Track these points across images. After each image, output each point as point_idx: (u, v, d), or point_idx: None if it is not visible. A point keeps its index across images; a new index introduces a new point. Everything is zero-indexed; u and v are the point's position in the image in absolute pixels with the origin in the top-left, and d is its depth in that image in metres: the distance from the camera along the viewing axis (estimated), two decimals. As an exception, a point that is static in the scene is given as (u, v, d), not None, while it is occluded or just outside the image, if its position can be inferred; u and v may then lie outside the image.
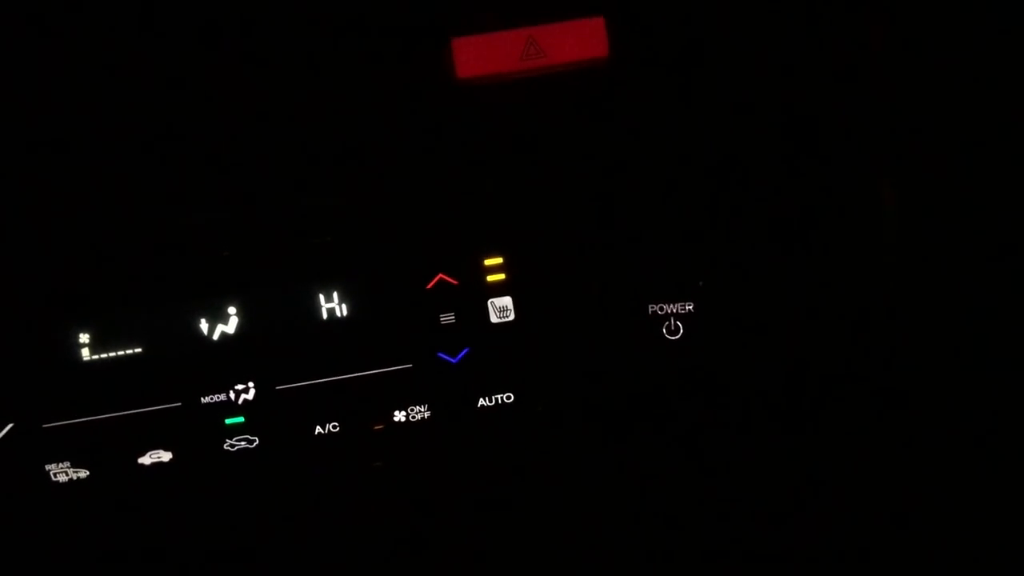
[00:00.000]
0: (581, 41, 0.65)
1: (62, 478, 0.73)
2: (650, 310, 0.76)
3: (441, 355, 0.75)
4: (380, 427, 0.75)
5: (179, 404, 0.73)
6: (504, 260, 0.74)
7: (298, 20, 0.65)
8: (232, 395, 0.73)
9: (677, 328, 0.76)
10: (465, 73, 0.65)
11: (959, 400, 0.70)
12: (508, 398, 0.76)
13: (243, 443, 0.74)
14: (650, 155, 0.70)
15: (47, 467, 0.73)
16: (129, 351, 0.73)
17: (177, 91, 0.66)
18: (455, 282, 0.74)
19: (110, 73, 0.66)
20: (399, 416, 0.75)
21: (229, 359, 0.73)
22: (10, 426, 0.72)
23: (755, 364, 0.75)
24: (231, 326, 0.73)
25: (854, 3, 0.63)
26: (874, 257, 0.70)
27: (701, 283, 0.74)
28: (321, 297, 0.74)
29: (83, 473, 0.73)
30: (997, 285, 0.67)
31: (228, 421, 0.73)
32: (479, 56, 0.65)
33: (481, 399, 0.75)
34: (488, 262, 0.74)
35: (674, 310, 0.76)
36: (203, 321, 0.73)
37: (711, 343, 0.75)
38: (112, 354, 0.73)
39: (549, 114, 0.68)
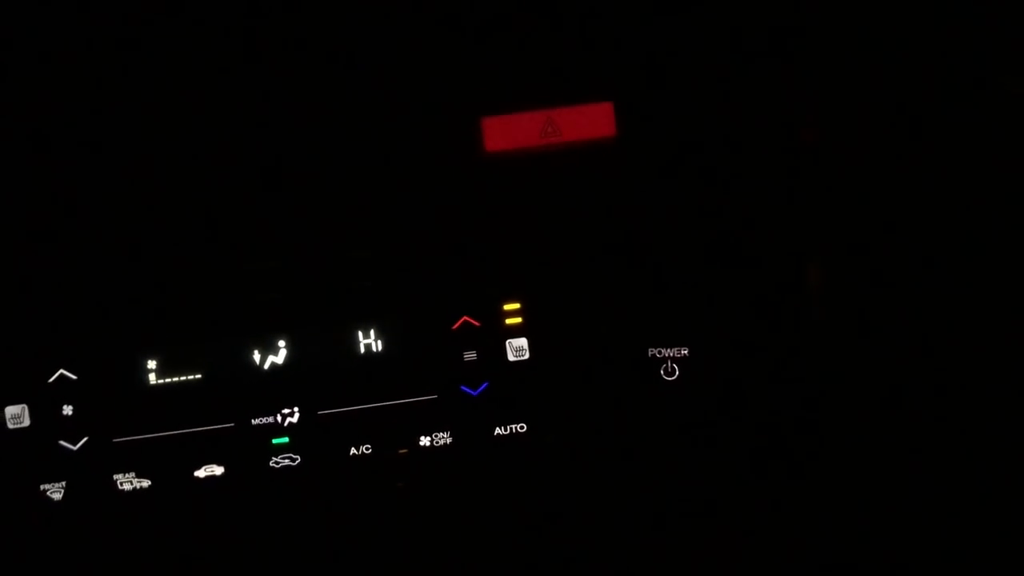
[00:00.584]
0: (593, 122, 0.75)
1: (127, 487, 0.83)
2: (649, 353, 0.86)
3: (463, 388, 0.85)
4: (405, 451, 0.85)
5: (232, 424, 0.83)
6: (521, 305, 0.84)
7: (348, 95, 0.76)
8: (279, 418, 0.83)
9: (673, 370, 0.86)
10: (492, 147, 0.76)
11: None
12: (522, 428, 0.85)
13: (287, 461, 0.84)
14: (650, 220, 0.80)
15: (115, 476, 0.83)
16: (190, 377, 0.83)
17: (241, 158, 0.77)
18: (478, 324, 0.84)
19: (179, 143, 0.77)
20: (424, 441, 0.85)
21: (277, 386, 0.83)
22: (85, 439, 0.83)
23: (741, 404, 0.85)
24: (280, 357, 0.84)
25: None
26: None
27: (694, 330, 0.84)
28: (359, 334, 0.84)
29: (145, 483, 0.83)
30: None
31: (275, 441, 0.83)
32: (504, 133, 0.76)
33: (498, 428, 0.85)
34: (507, 307, 0.84)
35: (671, 354, 0.86)
36: (256, 353, 0.83)
37: (702, 384, 0.85)
38: (175, 379, 0.83)
39: (564, 182, 0.79)
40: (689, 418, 0.86)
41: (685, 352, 0.84)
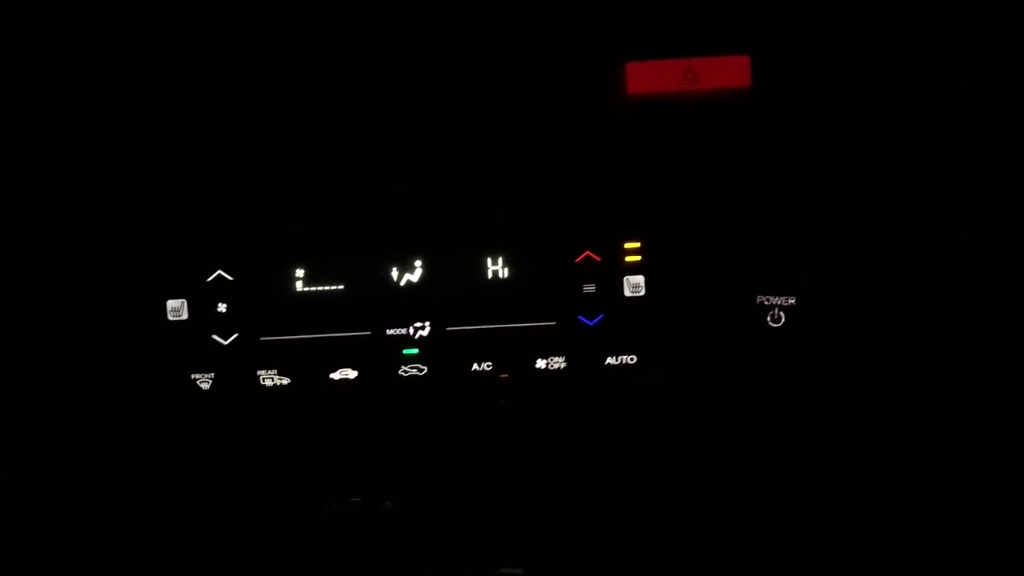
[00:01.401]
0: (730, 73, 0.80)
1: (268, 383, 0.92)
2: (758, 300, 0.91)
3: (580, 318, 0.91)
4: (507, 376, 0.92)
5: (368, 333, 0.91)
6: (641, 245, 0.90)
7: (501, 32, 0.82)
8: (411, 331, 0.91)
9: (780, 318, 0.91)
10: (634, 90, 0.82)
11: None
12: (631, 360, 0.92)
13: (414, 371, 0.91)
14: (775, 170, 0.86)
15: (259, 372, 0.92)
16: (333, 287, 0.91)
17: (394, 92, 0.84)
18: (599, 259, 0.90)
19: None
20: (540, 364, 0.91)
21: (411, 302, 0.91)
22: (235, 336, 0.91)
23: (847, 354, 0.89)
24: (416, 276, 0.91)
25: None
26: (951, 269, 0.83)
27: (804, 280, 0.89)
28: (488, 261, 0.91)
29: (285, 380, 0.92)
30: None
31: (405, 351, 0.91)
32: (647, 77, 0.82)
33: (609, 358, 0.91)
34: (628, 245, 0.90)
35: (778, 302, 0.91)
36: (394, 270, 0.91)
37: (808, 333, 0.90)
38: (320, 288, 0.91)
39: (697, 128, 0.84)
40: (791, 365, 0.90)
41: (792, 301, 0.89)
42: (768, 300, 0.90)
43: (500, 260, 0.90)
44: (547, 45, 0.82)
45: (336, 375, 0.91)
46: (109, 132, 0.86)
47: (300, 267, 0.90)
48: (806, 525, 0.87)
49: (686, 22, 0.81)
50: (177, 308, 0.90)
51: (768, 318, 0.90)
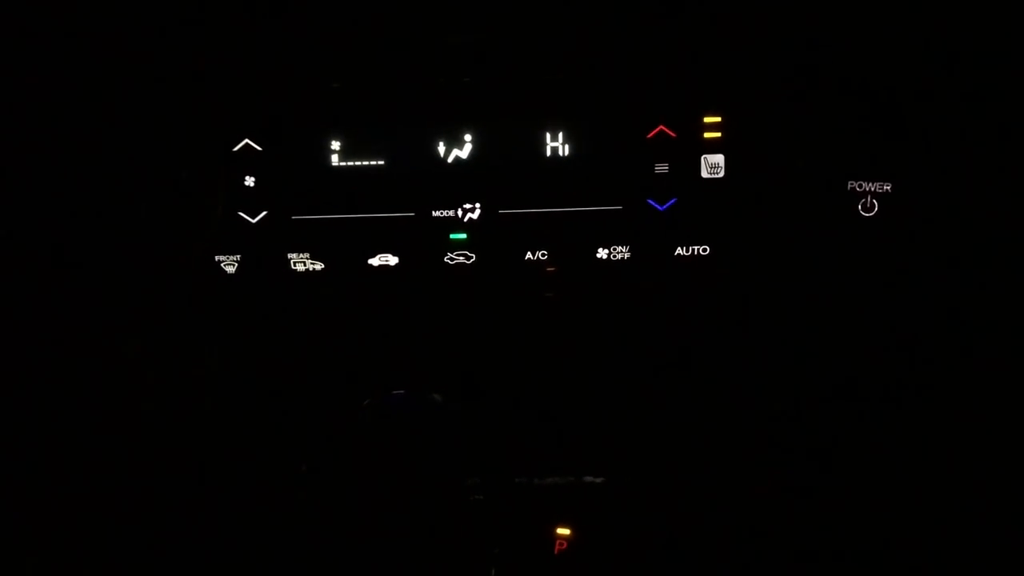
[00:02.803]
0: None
1: (300, 267, 0.83)
2: (849, 186, 0.81)
3: (650, 201, 0.81)
4: (552, 269, 0.82)
5: (412, 214, 0.81)
6: (722, 119, 0.80)
7: None
8: (459, 213, 0.81)
9: (873, 206, 0.81)
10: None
11: None
12: (704, 251, 0.82)
13: (461, 258, 0.82)
14: (870, 42, 0.75)
15: (289, 256, 0.83)
16: (374, 162, 0.81)
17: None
18: (673, 134, 0.80)
19: None
20: (602, 253, 0.82)
21: (460, 180, 0.81)
22: (264, 213, 0.82)
23: (942, 251, 0.80)
24: (465, 152, 0.81)
25: None
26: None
27: (900, 164, 0.78)
28: (548, 135, 0.80)
29: (319, 266, 0.83)
30: None
31: (452, 236, 0.82)
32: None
33: (680, 248, 0.81)
34: (707, 119, 0.80)
35: (872, 188, 0.80)
36: (441, 144, 0.81)
37: (906, 225, 0.80)
38: (359, 163, 0.81)
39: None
40: (885, 261, 0.80)
41: (888, 188, 0.79)
42: (860, 186, 0.80)
43: (561, 135, 0.80)
44: None
45: (375, 260, 0.82)
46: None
47: (336, 138, 0.80)
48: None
49: None
50: (199, 181, 0.81)
51: (860, 206, 0.80)
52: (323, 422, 0.77)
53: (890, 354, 0.79)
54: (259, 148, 0.81)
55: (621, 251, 0.82)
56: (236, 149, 0.81)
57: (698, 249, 0.82)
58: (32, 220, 0.79)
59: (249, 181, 0.81)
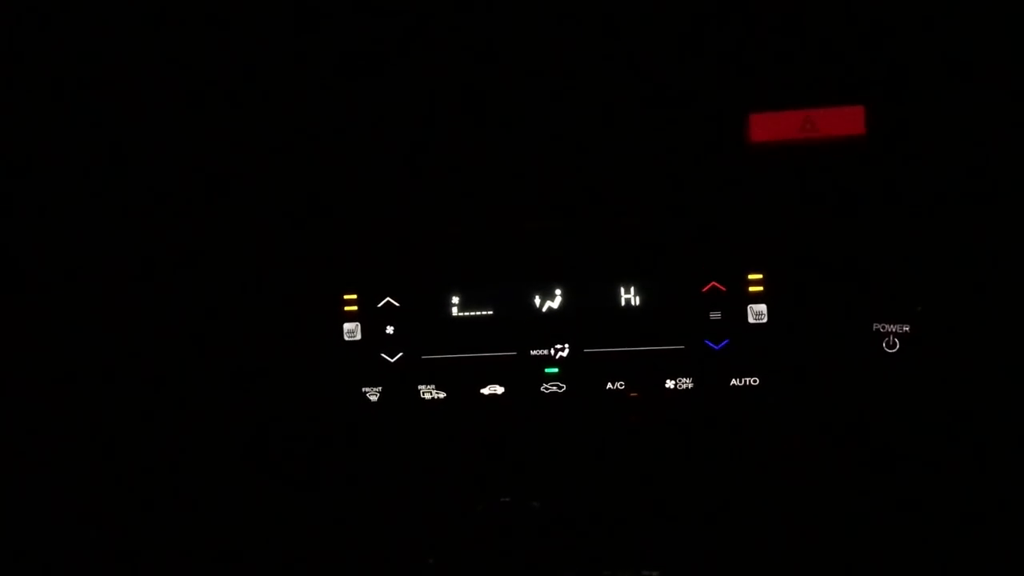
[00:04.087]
0: (846, 122, 0.89)
1: (427, 396, 1.05)
2: (874, 327, 0.99)
3: (707, 342, 1.00)
4: (636, 394, 1.02)
5: (514, 353, 1.03)
6: (764, 276, 0.99)
7: (641, 90, 0.94)
8: (552, 352, 1.03)
9: (895, 344, 0.98)
10: (757, 138, 0.91)
11: None
12: (755, 382, 1.00)
13: (554, 388, 1.03)
14: (887, 209, 0.93)
15: (419, 387, 1.05)
16: (483, 312, 1.04)
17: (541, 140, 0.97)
18: (724, 289, 1.00)
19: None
20: (669, 384, 1.01)
21: (552, 326, 1.02)
22: (400, 354, 1.05)
23: (962, 383, 0.95)
24: (556, 303, 1.03)
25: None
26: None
27: (919, 309, 0.95)
28: (622, 289, 1.02)
29: (442, 394, 1.05)
30: None
31: (547, 370, 1.03)
32: (768, 126, 0.91)
33: (734, 380, 1.00)
34: (751, 276, 0.99)
35: (894, 329, 0.98)
36: (537, 297, 1.03)
37: (923, 360, 0.96)
38: (472, 313, 1.04)
39: (816, 171, 0.93)
40: (908, 389, 0.97)
41: (907, 329, 0.96)
42: (884, 327, 0.97)
43: (633, 289, 1.01)
44: (680, 98, 0.92)
45: (486, 390, 1.03)
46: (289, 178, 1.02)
47: (456, 294, 1.03)
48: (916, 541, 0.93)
49: (805, 75, 0.90)
50: (352, 330, 1.05)
51: (884, 344, 0.97)
52: (446, 523, 0.98)
53: (916, 482, 0.94)
54: (397, 304, 1.04)
55: (685, 382, 1.01)
56: (380, 305, 1.05)
57: (749, 380, 1.00)
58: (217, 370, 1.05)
59: (389, 329, 1.05)
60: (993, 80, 0.87)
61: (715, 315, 0.99)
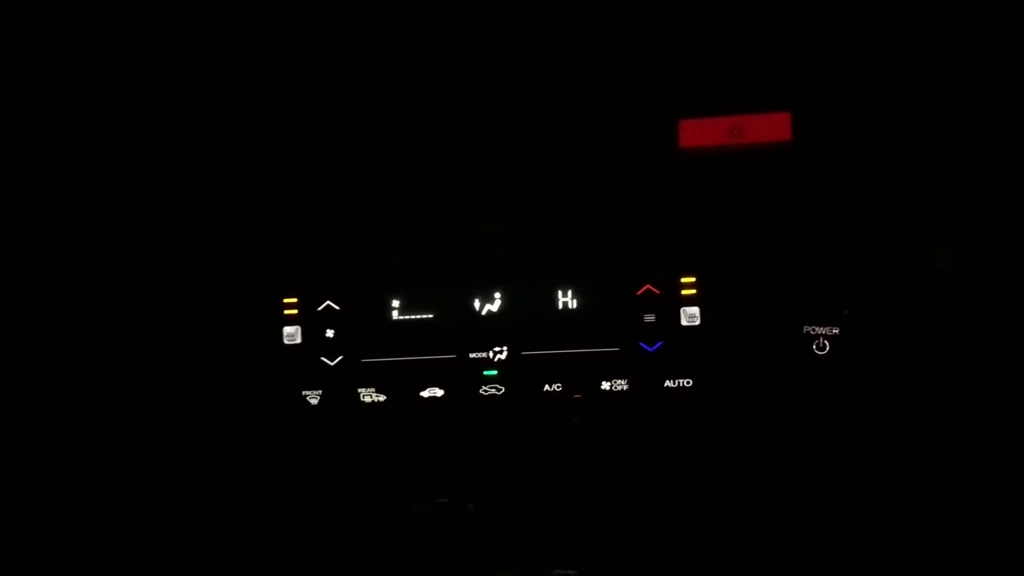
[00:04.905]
0: (773, 128, 0.91)
1: (367, 399, 1.06)
2: (804, 330, 1.01)
3: (642, 344, 1.02)
4: (579, 396, 1.03)
5: (453, 356, 1.04)
6: (696, 279, 1.01)
7: (577, 99, 0.96)
8: (491, 354, 1.04)
9: (825, 346, 1.00)
10: (687, 143, 0.94)
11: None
12: (688, 383, 1.02)
13: (494, 390, 1.04)
14: (814, 214, 0.96)
15: (359, 390, 1.06)
16: (424, 316, 1.05)
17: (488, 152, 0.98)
18: (658, 292, 1.02)
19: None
20: (605, 385, 1.03)
21: (491, 329, 1.04)
22: (340, 358, 1.06)
23: (886, 383, 0.98)
24: (496, 306, 1.04)
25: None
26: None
27: (846, 312, 0.98)
28: (559, 292, 1.03)
29: (382, 397, 1.05)
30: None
31: (485, 372, 1.04)
32: (698, 132, 0.94)
33: (668, 381, 1.02)
34: (684, 279, 1.01)
35: (823, 332, 1.00)
36: (476, 300, 1.04)
37: (851, 361, 0.99)
38: (413, 317, 1.05)
39: (744, 177, 0.95)
40: (836, 390, 0.99)
41: (836, 331, 0.99)
42: (814, 330, 1.00)
43: (570, 292, 1.02)
44: (613, 105, 0.94)
45: (425, 393, 1.04)
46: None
47: (396, 298, 1.04)
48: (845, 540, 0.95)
49: (734, 82, 0.92)
50: (292, 334, 1.06)
51: (814, 346, 1.00)
52: (380, 523, 0.98)
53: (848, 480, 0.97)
54: (338, 308, 1.05)
55: (621, 384, 1.03)
56: (320, 309, 1.05)
57: (683, 382, 1.02)
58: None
59: (329, 333, 1.05)
60: (914, 86, 0.90)
61: (649, 318, 1.01)
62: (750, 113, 0.92)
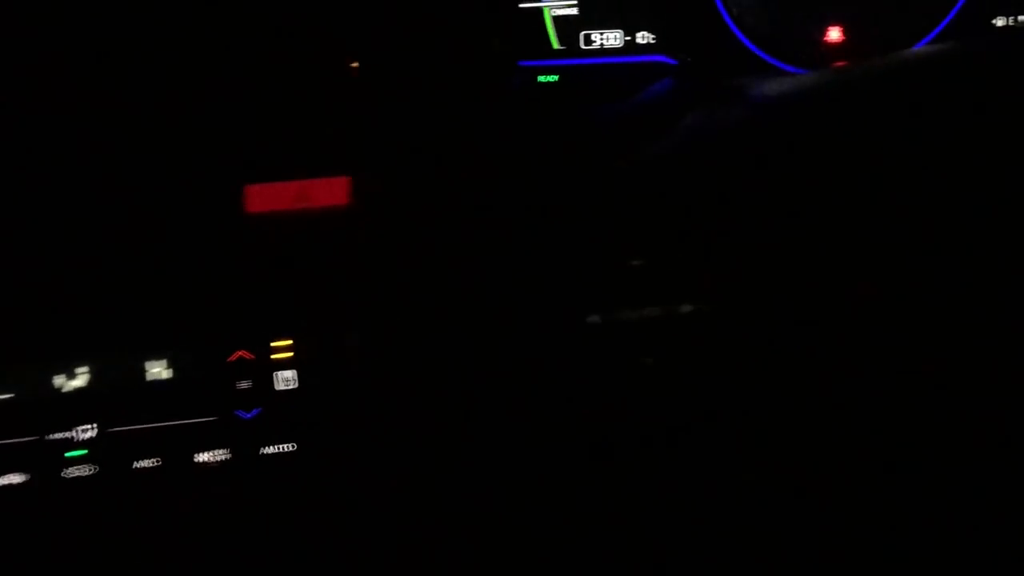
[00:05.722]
0: (334, 192, 0.91)
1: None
2: (403, 385, 1.01)
3: (238, 412, 0.99)
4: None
5: (34, 438, 0.97)
6: (292, 342, 1.00)
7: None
8: (75, 434, 0.97)
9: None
10: (254, 208, 0.92)
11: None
12: (292, 447, 1.00)
13: (82, 471, 0.98)
14: (381, 270, 0.97)
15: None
16: (3, 395, 0.97)
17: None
18: (252, 356, 0.99)
19: None
20: (203, 457, 0.99)
21: (76, 405, 0.97)
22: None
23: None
24: (82, 380, 0.98)
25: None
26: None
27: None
28: (146, 364, 0.98)
29: (-50, 494, 0.97)
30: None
31: (67, 454, 0.97)
32: (264, 197, 0.92)
33: (266, 448, 1.00)
34: (275, 344, 0.99)
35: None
36: (60, 376, 0.98)
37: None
38: (-13, 397, 0.97)
39: (308, 240, 0.95)
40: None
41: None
42: (413, 385, 1.00)
43: (164, 362, 0.98)
44: (177, 171, 0.91)
45: (2, 481, 0.96)
46: None
47: (-38, 379, 0.96)
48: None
49: (298, 147, 0.91)
50: None
51: (413, 402, 1.00)
52: None
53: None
54: None
55: (221, 453, 0.99)
56: None
57: (286, 447, 1.00)
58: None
59: None
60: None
61: (244, 384, 0.98)
62: (314, 177, 0.91)
